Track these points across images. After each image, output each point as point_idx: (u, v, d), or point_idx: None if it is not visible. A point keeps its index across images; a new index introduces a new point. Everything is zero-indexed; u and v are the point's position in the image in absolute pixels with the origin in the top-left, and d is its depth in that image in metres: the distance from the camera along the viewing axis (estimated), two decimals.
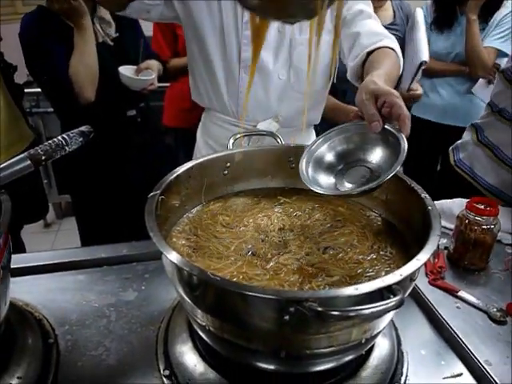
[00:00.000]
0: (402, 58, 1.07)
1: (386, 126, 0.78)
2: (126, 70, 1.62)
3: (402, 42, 1.91)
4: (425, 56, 1.77)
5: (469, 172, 1.50)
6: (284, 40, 1.15)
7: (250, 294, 0.52)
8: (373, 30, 1.09)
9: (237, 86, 1.19)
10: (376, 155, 0.81)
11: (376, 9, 1.86)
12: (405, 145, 0.75)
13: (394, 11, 1.96)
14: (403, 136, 0.76)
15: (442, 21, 2.12)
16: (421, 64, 1.79)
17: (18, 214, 0.82)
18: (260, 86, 1.19)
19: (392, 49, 1.05)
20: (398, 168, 0.75)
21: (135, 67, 1.66)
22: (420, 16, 1.89)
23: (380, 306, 0.49)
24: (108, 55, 1.60)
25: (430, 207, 0.69)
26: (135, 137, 1.74)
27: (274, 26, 1.14)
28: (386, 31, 1.11)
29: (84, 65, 1.53)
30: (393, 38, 1.08)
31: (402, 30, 1.94)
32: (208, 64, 1.19)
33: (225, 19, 1.14)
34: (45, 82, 1.64)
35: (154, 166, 1.78)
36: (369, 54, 1.04)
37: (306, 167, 0.82)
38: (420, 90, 1.95)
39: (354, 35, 1.08)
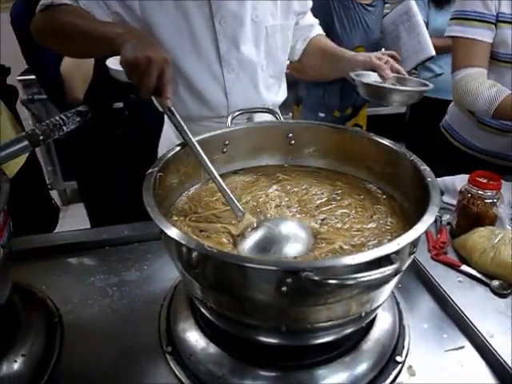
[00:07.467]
0: None
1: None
2: (112, 63, 1.57)
3: (380, 23, 1.97)
4: (433, 51, 1.90)
5: (450, 131, 1.48)
6: (261, 29, 1.09)
7: (247, 265, 0.52)
8: (315, 22, 1.30)
9: (223, 86, 1.10)
10: None
11: None
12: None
13: None
14: None
15: None
16: (428, 58, 1.91)
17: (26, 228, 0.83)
18: (248, 82, 1.11)
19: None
20: None
21: None
22: (415, 7, 1.91)
23: (377, 273, 0.49)
24: None
25: (429, 179, 0.68)
26: (128, 128, 1.70)
27: (247, 17, 1.05)
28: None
29: (78, 65, 1.50)
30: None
31: (379, 12, 1.94)
32: (185, 73, 1.06)
33: (191, 19, 1.01)
34: (38, 72, 1.62)
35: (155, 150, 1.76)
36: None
37: None
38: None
39: (309, 27, 1.28)
